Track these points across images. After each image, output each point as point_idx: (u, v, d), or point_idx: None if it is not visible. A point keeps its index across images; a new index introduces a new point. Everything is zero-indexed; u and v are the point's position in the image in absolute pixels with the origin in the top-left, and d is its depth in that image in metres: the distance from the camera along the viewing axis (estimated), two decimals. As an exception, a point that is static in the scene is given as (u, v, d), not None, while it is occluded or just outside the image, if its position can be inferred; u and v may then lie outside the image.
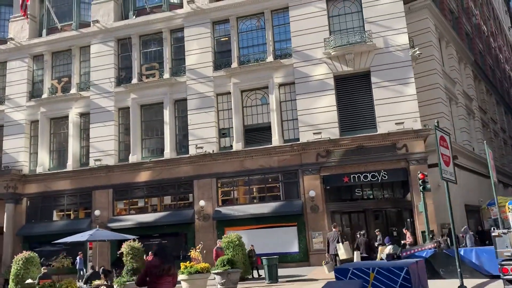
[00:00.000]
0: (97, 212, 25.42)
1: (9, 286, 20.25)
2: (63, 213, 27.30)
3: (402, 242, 19.62)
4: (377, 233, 19.26)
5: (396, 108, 22.41)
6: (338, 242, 14.90)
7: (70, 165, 27.00)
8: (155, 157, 26.07)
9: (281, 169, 23.78)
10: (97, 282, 12.05)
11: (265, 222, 23.14)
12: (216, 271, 14.21)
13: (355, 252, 15.99)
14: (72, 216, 27.06)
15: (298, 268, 21.24)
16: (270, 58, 25.00)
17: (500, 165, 37.81)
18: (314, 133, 23.16)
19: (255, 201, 24.27)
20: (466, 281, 10.48)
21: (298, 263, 22.18)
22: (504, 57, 56.96)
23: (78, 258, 21.13)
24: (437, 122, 10.21)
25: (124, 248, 19.45)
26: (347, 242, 15.13)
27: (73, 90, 28.13)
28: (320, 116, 23.45)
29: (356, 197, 23.69)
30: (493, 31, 52.63)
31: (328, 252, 15.29)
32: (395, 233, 22.98)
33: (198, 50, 26.25)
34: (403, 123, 22.03)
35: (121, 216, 25.80)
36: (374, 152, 22.34)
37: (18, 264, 20.39)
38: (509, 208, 21.38)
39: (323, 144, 22.94)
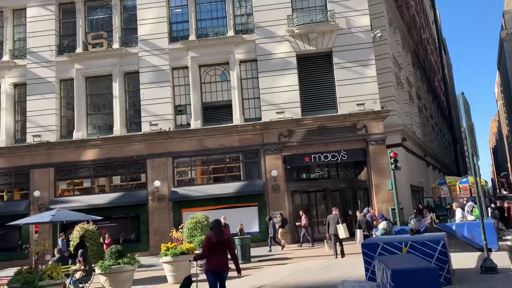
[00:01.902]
0: (36, 193, 23.03)
1: None
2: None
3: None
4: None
5: (357, 89, 22.66)
6: (338, 223, 15.22)
7: (3, 141, 24.13)
8: (103, 134, 24.10)
9: (242, 149, 23.13)
10: (74, 267, 10.65)
11: (225, 202, 22.41)
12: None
13: (358, 231, 16.16)
14: (5, 198, 24.26)
15: (259, 248, 20.88)
16: (231, 33, 24.02)
17: (429, 149, 40.39)
18: (277, 113, 22.73)
19: (214, 181, 23.42)
20: (461, 254, 10.77)
21: (258, 243, 21.81)
22: (430, 48, 60.87)
23: (60, 240, 18.99)
24: (462, 92, 10.14)
25: (78, 231, 17.75)
26: (345, 224, 15.74)
27: (6, 57, 25.01)
28: (282, 95, 23.05)
29: (315, 176, 23.80)
30: (423, 23, 55.82)
31: (328, 232, 15.62)
32: (350, 212, 23.55)
33: (152, 19, 24.48)
34: (363, 104, 22.36)
35: (65, 197, 23.63)
36: (335, 133, 22.49)
37: None
38: (459, 187, 22.83)
39: (286, 123, 22.63)
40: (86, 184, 24.23)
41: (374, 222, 18.29)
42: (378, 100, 22.62)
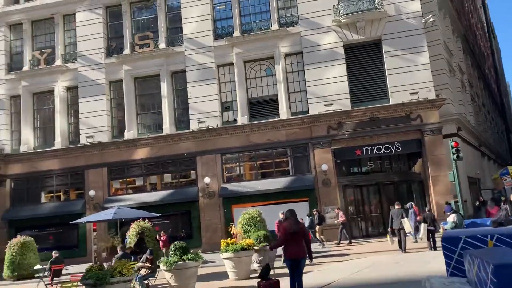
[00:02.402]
0: (91, 193, 23.70)
1: (3, 273, 18.55)
2: (52, 194, 25.35)
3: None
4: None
5: (409, 77, 21.74)
6: (402, 217, 15.22)
7: (58, 143, 24.98)
8: (153, 133, 24.46)
9: (290, 143, 22.79)
10: (138, 264, 10.74)
11: (275, 198, 22.14)
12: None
13: (422, 225, 15.78)
14: (62, 198, 25.15)
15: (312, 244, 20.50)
16: (275, 26, 23.69)
17: (484, 139, 38.44)
18: (325, 105, 22.22)
19: (262, 177, 23.22)
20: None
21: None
22: (479, 34, 57.93)
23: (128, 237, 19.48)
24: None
25: (134, 228, 18.06)
26: (407, 218, 15.73)
27: (58, 62, 25.88)
28: (330, 87, 22.50)
29: (367, 170, 23.10)
30: (471, 8, 53.18)
31: (391, 227, 15.55)
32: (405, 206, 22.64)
33: (197, 17, 24.56)
34: (417, 93, 21.43)
35: (118, 196, 24.18)
36: (387, 124, 21.70)
37: (13, 249, 18.75)
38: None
39: (334, 116, 22.08)
40: (138, 182, 24.70)
41: (418, 217, 17.51)
42: (433, 88, 21.62)
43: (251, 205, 22.24)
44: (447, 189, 20.87)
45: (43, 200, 25.25)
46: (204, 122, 23.43)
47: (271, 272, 8.25)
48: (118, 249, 11.86)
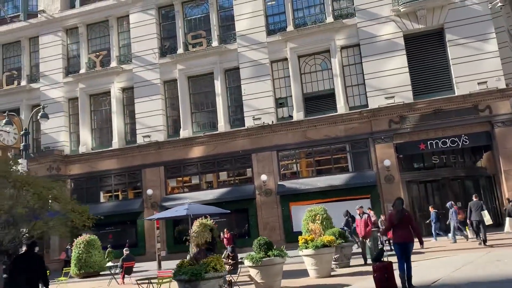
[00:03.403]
0: (149, 191, 23.91)
1: (71, 270, 18.91)
2: (110, 193, 25.80)
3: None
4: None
5: (476, 66, 20.57)
6: (483, 209, 15.23)
7: (116, 143, 25.38)
8: (207, 131, 24.40)
9: (349, 138, 22.10)
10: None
11: (334, 195, 21.50)
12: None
13: (507, 218, 15.72)
14: (120, 197, 25.54)
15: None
16: (329, 19, 23.08)
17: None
18: (385, 98, 21.38)
19: (319, 174, 22.63)
20: None
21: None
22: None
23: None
24: None
25: (197, 225, 17.92)
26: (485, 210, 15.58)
27: (113, 64, 26.32)
28: (390, 79, 21.64)
29: (431, 165, 22.05)
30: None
31: (470, 219, 15.61)
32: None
33: (249, 14, 24.30)
34: (486, 82, 20.23)
35: (175, 195, 24.27)
36: (453, 116, 20.63)
37: (79, 247, 19.10)
38: None
39: (396, 109, 21.21)
40: (194, 181, 24.69)
41: (459, 216, 16.54)
42: (503, 77, 20.35)
43: (309, 203, 21.80)
44: (520, 184, 19.58)
45: (102, 199, 25.72)
46: (259, 119, 23.12)
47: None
48: (194, 246, 11.67)
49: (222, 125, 23.96)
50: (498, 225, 19.39)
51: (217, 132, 23.96)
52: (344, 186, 21.43)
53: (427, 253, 14.92)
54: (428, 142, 20.85)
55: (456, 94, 20.73)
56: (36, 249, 7.97)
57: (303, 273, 11.38)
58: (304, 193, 22.04)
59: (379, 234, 14.37)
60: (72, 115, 27.10)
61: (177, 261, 19.97)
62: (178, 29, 25.51)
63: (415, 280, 8.24)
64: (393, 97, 21.33)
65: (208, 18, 25.27)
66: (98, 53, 26.73)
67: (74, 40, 27.73)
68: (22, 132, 20.68)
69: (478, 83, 20.26)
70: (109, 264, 16.37)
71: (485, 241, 14.69)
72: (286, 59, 23.61)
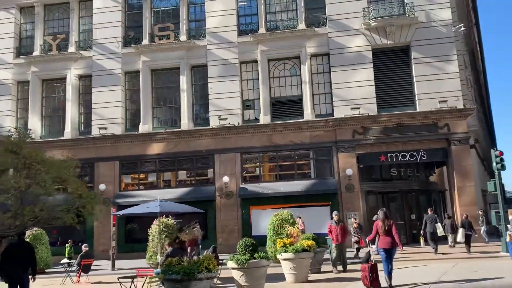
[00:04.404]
0: (102, 186, 22.59)
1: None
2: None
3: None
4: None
5: (438, 85, 21.49)
6: (437, 222, 16.82)
7: (68, 133, 23.81)
8: (169, 127, 23.55)
9: (313, 146, 22.22)
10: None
11: (295, 201, 21.46)
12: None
13: (460, 229, 16.93)
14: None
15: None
16: (302, 26, 23.18)
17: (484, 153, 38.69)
18: (351, 108, 21.75)
19: (282, 178, 22.54)
20: None
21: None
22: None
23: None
24: None
25: (158, 225, 17.12)
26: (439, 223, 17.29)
27: (72, 49, 24.76)
28: (356, 90, 22.07)
29: (389, 177, 22.69)
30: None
31: (424, 230, 17.34)
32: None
33: (221, 12, 23.86)
34: (446, 101, 21.18)
35: (130, 192, 23.15)
36: (414, 131, 21.37)
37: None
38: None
39: (361, 120, 21.64)
40: (151, 178, 23.69)
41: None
42: (461, 97, 21.41)
43: (270, 207, 21.74)
44: (473, 200, 20.63)
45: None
46: (225, 119, 22.66)
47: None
48: (166, 245, 11.02)
49: (185, 123, 23.22)
50: (445, 237, 20.24)
51: (180, 129, 23.19)
52: (305, 192, 21.48)
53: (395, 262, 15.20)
54: (389, 155, 21.44)
55: (418, 110, 21.51)
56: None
57: (279, 277, 11.08)
58: (266, 197, 21.85)
59: (354, 240, 14.68)
60: (20, 100, 25.12)
61: (133, 261, 18.92)
62: (144, 19, 24.51)
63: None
64: (359, 108, 21.75)
65: (178, 11, 24.50)
66: (55, 36, 25.00)
67: (29, 20, 25.82)
68: (-35, 113, 18.80)
69: (439, 101, 21.15)
70: (64, 260, 15.11)
71: (436, 250, 16.34)
72: (256, 61, 23.39)
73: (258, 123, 22.71)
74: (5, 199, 5.70)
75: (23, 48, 25.51)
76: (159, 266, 12.36)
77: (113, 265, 17.12)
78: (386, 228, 9.47)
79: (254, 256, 9.05)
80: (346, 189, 21.32)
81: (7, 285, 8.65)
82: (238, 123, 22.66)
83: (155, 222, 17.47)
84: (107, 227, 21.45)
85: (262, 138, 22.44)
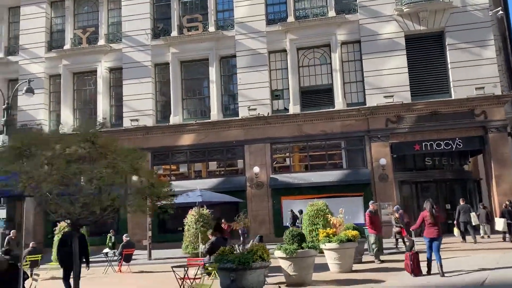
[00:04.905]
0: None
1: (52, 257, 17.71)
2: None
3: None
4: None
5: (474, 71, 20.84)
6: (470, 212, 17.12)
7: (64, 128, 23.96)
8: (199, 119, 23.59)
9: (345, 135, 21.93)
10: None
11: (327, 191, 21.22)
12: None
13: (500, 219, 16.89)
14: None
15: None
16: (332, 13, 22.78)
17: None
18: (384, 97, 21.34)
19: (313, 169, 22.35)
20: None
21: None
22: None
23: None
24: None
25: (193, 215, 17.27)
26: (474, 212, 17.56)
27: (101, 42, 24.97)
28: (389, 78, 21.61)
29: (423, 166, 22.24)
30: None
31: (458, 220, 17.24)
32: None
33: (248, 1, 23.63)
34: (483, 88, 20.55)
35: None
36: (449, 119, 20.83)
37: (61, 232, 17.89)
38: None
39: (394, 108, 21.21)
40: (183, 169, 23.84)
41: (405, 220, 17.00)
42: (499, 84, 20.74)
43: (301, 198, 21.67)
44: (510, 189, 20.04)
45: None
46: (255, 109, 22.55)
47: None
48: (209, 235, 11.04)
49: (215, 114, 23.22)
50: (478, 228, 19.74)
51: (209, 120, 23.21)
52: (337, 182, 21.25)
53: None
54: (423, 144, 20.98)
55: (453, 98, 20.95)
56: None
57: (322, 267, 10.98)
58: (297, 188, 21.73)
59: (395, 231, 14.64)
60: (52, 93, 25.53)
61: (168, 250, 19.10)
62: (173, 11, 24.49)
63: (459, 278, 8.05)
64: (392, 96, 21.32)
65: (206, 2, 24.37)
66: (85, 29, 25.26)
67: (59, 13, 26.11)
68: (4, 106, 19.25)
69: (476, 88, 20.53)
70: (106, 250, 15.38)
71: (474, 240, 16.37)
72: (284, 50, 23.14)
73: (287, 113, 22.53)
74: (91, 188, 5.73)
75: (54, 42, 25.85)
76: (200, 255, 12.44)
77: (150, 255, 17.32)
78: (433, 218, 9.80)
79: (302, 245, 8.95)
80: (380, 179, 21.00)
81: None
82: (268, 113, 22.52)
83: (191, 212, 17.61)
84: (140, 217, 21.66)
85: (292, 128, 22.26)
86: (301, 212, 19.63)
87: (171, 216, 22.81)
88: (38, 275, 8.43)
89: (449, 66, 21.32)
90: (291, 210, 20.00)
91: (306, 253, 8.90)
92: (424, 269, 9.86)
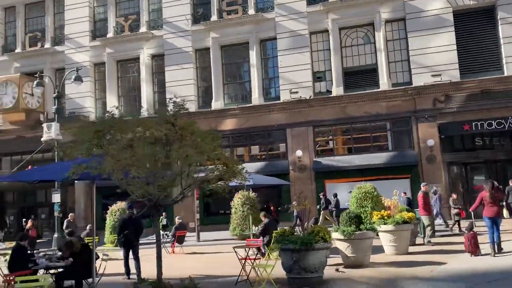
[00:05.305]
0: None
1: (105, 238, 18.46)
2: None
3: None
4: None
5: (529, 46, 19.75)
6: None
7: (144, 111, 24.53)
8: (240, 103, 23.62)
9: (390, 116, 21.40)
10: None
11: (372, 174, 20.84)
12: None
13: None
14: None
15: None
16: (375, -9, 22.06)
17: None
18: (432, 75, 20.60)
19: (357, 151, 22.00)
20: None
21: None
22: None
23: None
24: None
25: (239, 198, 17.46)
26: None
27: (143, 29, 25.29)
28: (436, 56, 20.80)
29: (473, 147, 21.44)
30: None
31: (507, 202, 16.54)
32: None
33: (288, -18, 23.21)
34: (539, 63, 19.46)
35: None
36: (501, 97, 19.89)
37: (114, 215, 18.60)
38: None
39: (442, 87, 20.47)
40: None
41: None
42: (555, 59, 19.57)
43: (344, 181, 21.43)
44: None
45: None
46: (297, 92, 22.32)
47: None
48: (262, 217, 11.13)
49: (256, 98, 23.18)
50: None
51: (251, 105, 23.20)
52: (383, 165, 20.84)
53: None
54: (473, 123, 20.16)
55: (506, 75, 19.97)
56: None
57: (377, 249, 10.84)
58: (341, 171, 21.50)
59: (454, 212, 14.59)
60: (98, 81, 26.20)
61: (213, 233, 19.40)
62: (212, -5, 24.43)
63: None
64: (440, 75, 20.55)
65: (245, -16, 24.17)
66: (126, 17, 25.65)
67: (102, 2, 26.58)
68: (54, 95, 19.93)
69: (531, 64, 19.48)
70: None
71: None
72: (326, 30, 22.69)
73: (330, 95, 22.19)
74: (171, 170, 5.84)
75: (97, 30, 26.42)
76: (252, 236, 12.58)
77: (198, 237, 17.69)
78: (492, 198, 9.86)
79: (360, 227, 8.85)
80: (427, 161, 20.44)
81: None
82: (310, 96, 22.25)
83: (237, 195, 17.80)
84: (186, 201, 22.12)
85: (335, 110, 21.93)
86: (335, 195, 19.43)
87: (216, 200, 23.32)
88: (107, 255, 8.74)
89: (501, 41, 20.30)
90: (335, 194, 19.77)
91: (364, 234, 8.81)
92: (484, 251, 9.71)
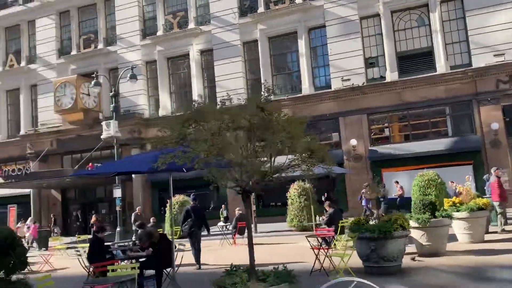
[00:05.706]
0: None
1: (165, 230, 18.86)
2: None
3: None
4: None
5: None
6: None
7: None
8: (289, 94, 23.39)
9: (450, 100, 20.45)
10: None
11: (431, 161, 19.98)
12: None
13: None
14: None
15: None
16: (428, -30, 21.08)
17: None
18: (494, 55, 19.46)
19: (414, 138, 21.22)
20: None
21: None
22: None
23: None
24: None
25: (296, 188, 17.32)
26: None
27: (191, 25, 25.57)
28: (498, 35, 19.64)
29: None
30: None
31: None
32: None
33: (336, -33, 22.64)
34: None
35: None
36: None
37: (174, 208, 18.92)
38: None
39: (506, 67, 19.32)
40: (277, 145, 23.89)
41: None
42: None
43: (402, 169, 20.71)
44: None
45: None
46: (348, 80, 21.80)
47: None
48: (326, 207, 10.95)
49: (306, 88, 22.87)
50: None
51: (301, 94, 22.93)
52: (443, 151, 19.98)
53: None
54: (542, 104, 18.92)
55: None
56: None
57: (450, 237, 10.34)
58: (398, 159, 20.84)
59: None
60: (150, 79, 26.81)
61: (269, 224, 19.33)
62: (258, -14, 24.29)
63: None
64: (503, 54, 19.40)
65: (291, -27, 23.84)
66: (175, 14, 26.03)
67: (150, 1, 27.12)
68: (111, 94, 20.55)
69: None
70: (220, 223, 16.05)
71: None
72: (378, 15, 21.98)
73: (384, 81, 21.51)
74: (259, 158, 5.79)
75: (147, 29, 27.00)
76: (315, 226, 12.40)
77: (256, 228, 17.73)
78: None
79: (436, 215, 8.46)
80: (491, 145, 19.39)
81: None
82: (363, 83, 21.68)
83: (293, 186, 17.67)
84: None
85: (389, 96, 21.24)
86: (383, 186, 18.73)
87: (268, 191, 23.32)
88: (184, 245, 8.91)
89: None
90: (396, 181, 19.11)
91: (439, 222, 8.42)
92: None
